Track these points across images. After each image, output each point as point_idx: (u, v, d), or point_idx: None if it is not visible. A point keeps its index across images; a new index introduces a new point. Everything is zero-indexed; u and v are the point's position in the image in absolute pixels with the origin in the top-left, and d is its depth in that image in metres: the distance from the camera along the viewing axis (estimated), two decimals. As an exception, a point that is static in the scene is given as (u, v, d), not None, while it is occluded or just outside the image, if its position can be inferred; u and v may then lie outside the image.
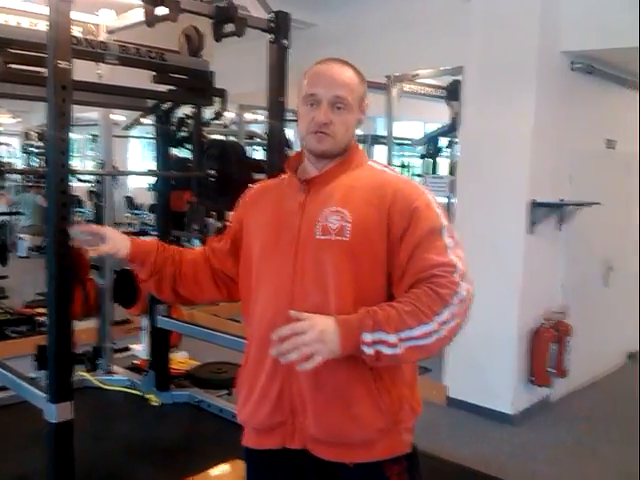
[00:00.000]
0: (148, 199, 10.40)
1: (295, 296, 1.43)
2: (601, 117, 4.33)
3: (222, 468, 3.04)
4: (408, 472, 1.49)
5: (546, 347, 3.92)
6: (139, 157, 14.46)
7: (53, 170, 2.38)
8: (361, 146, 1.63)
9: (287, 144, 7.15)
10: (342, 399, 1.42)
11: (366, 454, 1.44)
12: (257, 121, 8.82)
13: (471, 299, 1.36)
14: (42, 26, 2.85)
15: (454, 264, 1.36)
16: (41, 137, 8.99)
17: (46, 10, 2.31)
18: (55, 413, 2.44)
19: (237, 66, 4.85)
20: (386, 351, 1.29)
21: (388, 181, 1.48)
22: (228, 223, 1.80)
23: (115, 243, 1.60)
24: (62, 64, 2.29)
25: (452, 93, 5.54)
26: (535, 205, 3.78)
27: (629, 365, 5.03)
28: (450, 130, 5.96)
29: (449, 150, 6.79)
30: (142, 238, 1.69)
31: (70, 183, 2.45)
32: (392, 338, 1.28)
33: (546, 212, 3.85)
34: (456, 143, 5.57)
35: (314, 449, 1.45)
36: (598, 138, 4.38)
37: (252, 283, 1.54)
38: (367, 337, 1.27)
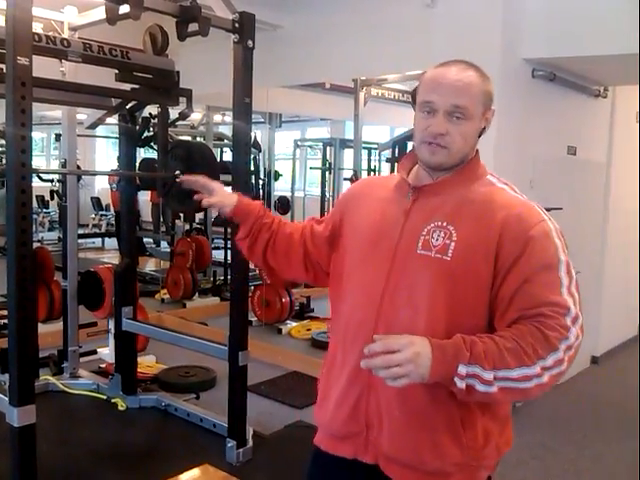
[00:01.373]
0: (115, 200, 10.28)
1: (383, 309, 1.35)
2: (562, 124, 4.41)
3: (191, 473, 3.03)
4: None
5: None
6: (107, 157, 14.28)
7: (13, 168, 2.34)
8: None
9: (255, 145, 7.20)
10: (421, 424, 1.34)
11: None
12: (225, 122, 8.80)
13: (579, 346, 1.26)
14: (2, 21, 2.80)
15: (567, 306, 1.26)
16: (3, 135, 8.80)
17: (5, 4, 2.28)
18: (17, 416, 2.41)
19: (204, 66, 4.83)
20: (479, 387, 1.19)
21: (505, 201, 1.34)
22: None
23: (223, 198, 1.61)
24: (21, 60, 2.26)
25: (417, 98, 5.59)
26: (498, 209, 3.83)
27: (592, 368, 5.12)
28: (416, 134, 6.00)
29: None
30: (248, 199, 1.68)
31: (32, 182, 2.42)
32: (488, 375, 1.18)
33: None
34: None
35: (385, 467, 1.38)
36: (559, 144, 4.46)
37: (343, 279, 1.47)
38: (462, 370, 1.18)
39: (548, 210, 4.50)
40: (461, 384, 1.18)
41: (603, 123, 4.96)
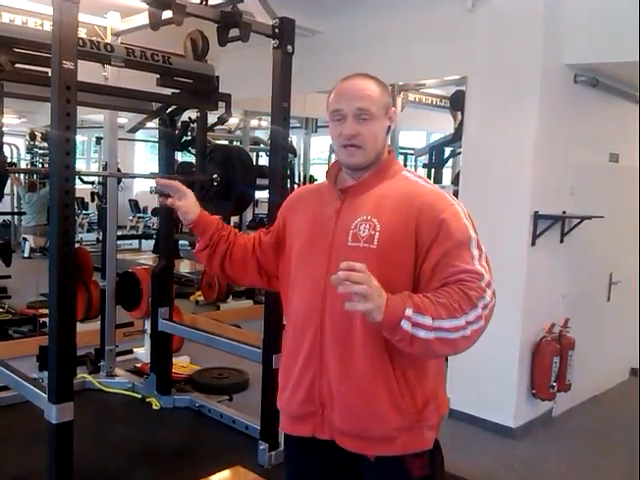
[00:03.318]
0: (153, 202, 10.44)
1: (327, 298, 1.50)
2: (604, 130, 4.32)
3: (223, 474, 3.04)
4: (430, 466, 1.55)
5: (548, 360, 3.88)
6: (145, 160, 14.51)
7: (57, 170, 2.39)
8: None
9: (291, 150, 7.23)
10: (364, 395, 1.49)
11: (386, 448, 1.51)
12: (261, 127, 8.86)
13: (493, 307, 1.42)
14: (48, 26, 2.87)
15: (480, 272, 1.42)
16: (45, 138, 9.03)
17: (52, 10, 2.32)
18: (55, 414, 2.45)
19: (243, 71, 4.86)
20: (421, 334, 1.32)
21: (418, 192, 1.53)
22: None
23: (188, 206, 1.74)
24: (67, 64, 2.30)
25: (456, 103, 5.55)
26: (538, 217, 3.77)
27: (632, 380, 5.00)
28: (453, 140, 5.96)
29: (452, 160, 6.78)
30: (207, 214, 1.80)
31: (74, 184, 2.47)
32: (428, 320, 1.32)
33: (549, 224, 3.84)
34: (459, 153, 5.57)
35: (340, 440, 1.53)
36: (601, 151, 4.37)
37: (290, 278, 1.63)
38: (408, 312, 1.32)
39: (589, 219, 4.41)
40: (407, 326, 1.32)
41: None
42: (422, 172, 7.39)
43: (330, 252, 1.53)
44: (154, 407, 3.84)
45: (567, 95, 3.87)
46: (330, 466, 1.60)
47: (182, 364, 4.52)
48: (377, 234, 1.47)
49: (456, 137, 5.61)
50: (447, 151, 6.53)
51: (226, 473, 3.07)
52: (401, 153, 6.32)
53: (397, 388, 1.48)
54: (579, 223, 4.00)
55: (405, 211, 1.48)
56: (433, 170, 6.46)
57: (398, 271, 1.47)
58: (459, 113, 5.32)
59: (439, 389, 1.58)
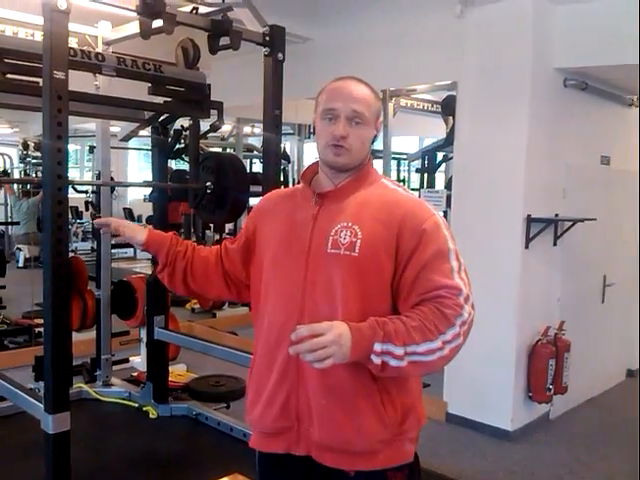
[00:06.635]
0: (147, 211, 10.42)
1: (305, 306, 1.47)
2: (595, 133, 4.35)
3: (221, 482, 3.03)
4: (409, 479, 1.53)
5: (544, 363, 3.90)
6: (139, 168, 14.50)
7: (49, 180, 2.39)
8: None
9: (284, 156, 7.24)
10: (346, 409, 1.45)
11: (368, 463, 1.48)
12: (254, 134, 8.87)
13: (472, 323, 1.41)
14: (39, 37, 2.88)
15: (459, 287, 1.40)
16: (38, 147, 9.03)
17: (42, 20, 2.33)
18: (52, 424, 2.45)
19: (235, 79, 4.88)
20: (392, 363, 1.33)
21: (399, 200, 1.51)
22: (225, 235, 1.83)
23: (131, 230, 1.75)
24: (58, 74, 2.31)
25: (447, 108, 5.58)
26: (530, 220, 3.79)
27: (628, 382, 5.01)
28: (446, 145, 5.98)
29: (445, 165, 6.80)
30: (159, 231, 1.81)
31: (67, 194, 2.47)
32: (399, 351, 1.32)
33: (541, 227, 3.86)
34: (452, 158, 5.59)
35: (318, 455, 1.49)
36: (592, 154, 4.40)
37: (262, 287, 1.58)
38: (377, 347, 1.32)
39: (582, 221, 4.43)
40: (377, 360, 1.32)
41: (637, 132, 4.88)
42: (415, 177, 7.43)
43: (307, 259, 1.48)
44: (151, 416, 3.82)
45: (557, 99, 3.90)
46: None
47: (179, 372, 4.51)
48: (359, 242, 1.44)
49: (448, 142, 5.63)
50: (440, 156, 6.54)
51: (224, 481, 3.07)
52: (394, 158, 6.33)
53: (379, 399, 1.45)
54: (572, 226, 4.02)
55: (386, 219, 1.46)
56: (426, 175, 6.47)
57: (378, 281, 1.45)
58: (451, 118, 5.34)
59: (418, 401, 1.57)
